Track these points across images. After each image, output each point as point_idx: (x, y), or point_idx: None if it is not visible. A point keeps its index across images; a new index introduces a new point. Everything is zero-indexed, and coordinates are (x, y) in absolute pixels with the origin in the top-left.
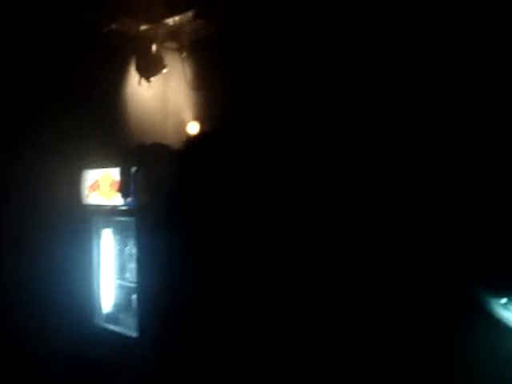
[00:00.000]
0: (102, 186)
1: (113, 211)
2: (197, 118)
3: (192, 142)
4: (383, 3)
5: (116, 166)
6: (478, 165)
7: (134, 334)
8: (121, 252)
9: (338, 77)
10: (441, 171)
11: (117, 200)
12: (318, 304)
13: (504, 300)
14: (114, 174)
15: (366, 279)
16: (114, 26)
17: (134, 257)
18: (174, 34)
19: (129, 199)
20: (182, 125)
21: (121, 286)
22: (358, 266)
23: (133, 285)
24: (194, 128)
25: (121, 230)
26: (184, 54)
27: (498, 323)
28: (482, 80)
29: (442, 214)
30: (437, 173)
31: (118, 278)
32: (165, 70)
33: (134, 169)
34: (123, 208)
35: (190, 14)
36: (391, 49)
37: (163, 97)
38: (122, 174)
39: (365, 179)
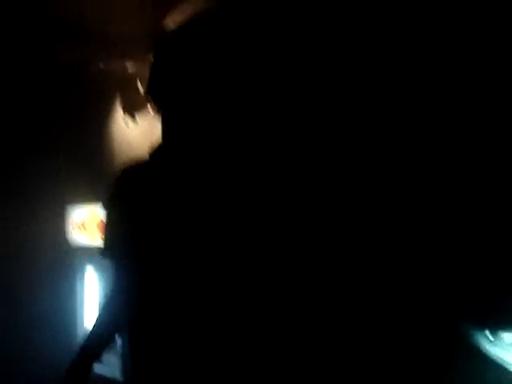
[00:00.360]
0: (88, 225)
1: (98, 250)
2: None
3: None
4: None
5: (102, 204)
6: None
7: (118, 376)
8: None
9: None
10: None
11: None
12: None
13: (491, 335)
14: (101, 213)
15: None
16: (100, 65)
17: None
18: None
19: None
20: None
21: None
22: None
23: None
24: None
25: (106, 270)
26: None
27: (485, 358)
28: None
29: (425, 244)
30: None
31: None
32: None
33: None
34: None
35: None
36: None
37: (150, 135)
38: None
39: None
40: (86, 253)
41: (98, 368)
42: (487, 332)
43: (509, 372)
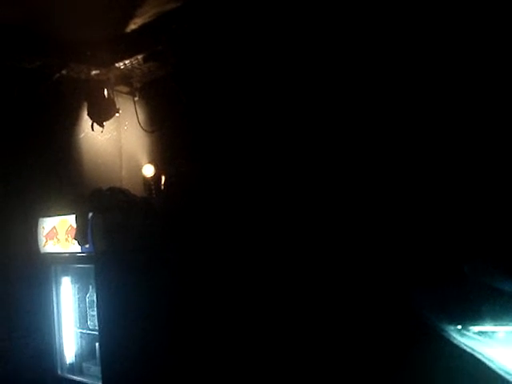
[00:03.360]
0: (59, 233)
1: (71, 259)
2: (151, 161)
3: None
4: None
5: (73, 212)
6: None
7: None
8: (81, 300)
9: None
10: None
11: (74, 247)
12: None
13: (459, 326)
14: (71, 220)
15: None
16: (64, 71)
17: (95, 304)
18: (125, 77)
19: (86, 246)
20: (137, 168)
21: (83, 335)
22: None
23: (95, 332)
24: (148, 170)
25: (80, 278)
26: (136, 97)
27: (455, 348)
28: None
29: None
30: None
31: (80, 327)
32: (117, 114)
33: (90, 215)
34: (81, 255)
35: (140, 57)
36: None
37: (117, 141)
38: (78, 220)
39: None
40: (59, 260)
41: (80, 378)
42: (458, 325)
43: (475, 357)
